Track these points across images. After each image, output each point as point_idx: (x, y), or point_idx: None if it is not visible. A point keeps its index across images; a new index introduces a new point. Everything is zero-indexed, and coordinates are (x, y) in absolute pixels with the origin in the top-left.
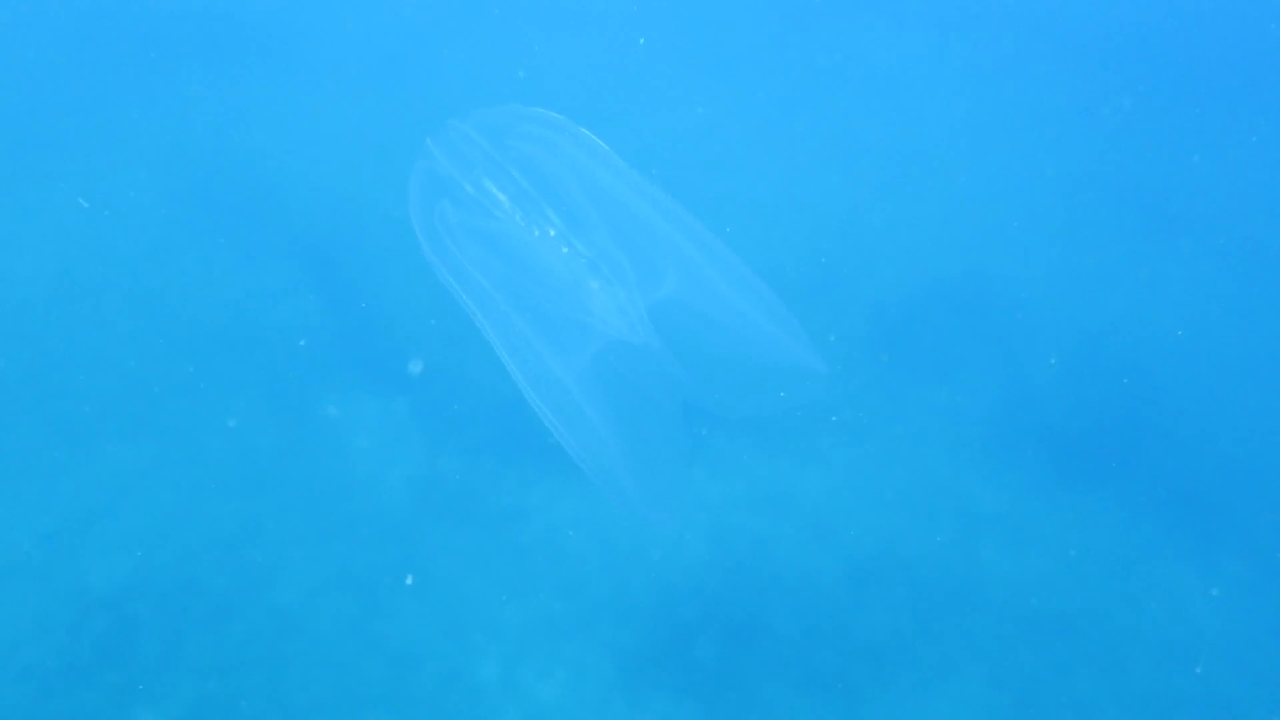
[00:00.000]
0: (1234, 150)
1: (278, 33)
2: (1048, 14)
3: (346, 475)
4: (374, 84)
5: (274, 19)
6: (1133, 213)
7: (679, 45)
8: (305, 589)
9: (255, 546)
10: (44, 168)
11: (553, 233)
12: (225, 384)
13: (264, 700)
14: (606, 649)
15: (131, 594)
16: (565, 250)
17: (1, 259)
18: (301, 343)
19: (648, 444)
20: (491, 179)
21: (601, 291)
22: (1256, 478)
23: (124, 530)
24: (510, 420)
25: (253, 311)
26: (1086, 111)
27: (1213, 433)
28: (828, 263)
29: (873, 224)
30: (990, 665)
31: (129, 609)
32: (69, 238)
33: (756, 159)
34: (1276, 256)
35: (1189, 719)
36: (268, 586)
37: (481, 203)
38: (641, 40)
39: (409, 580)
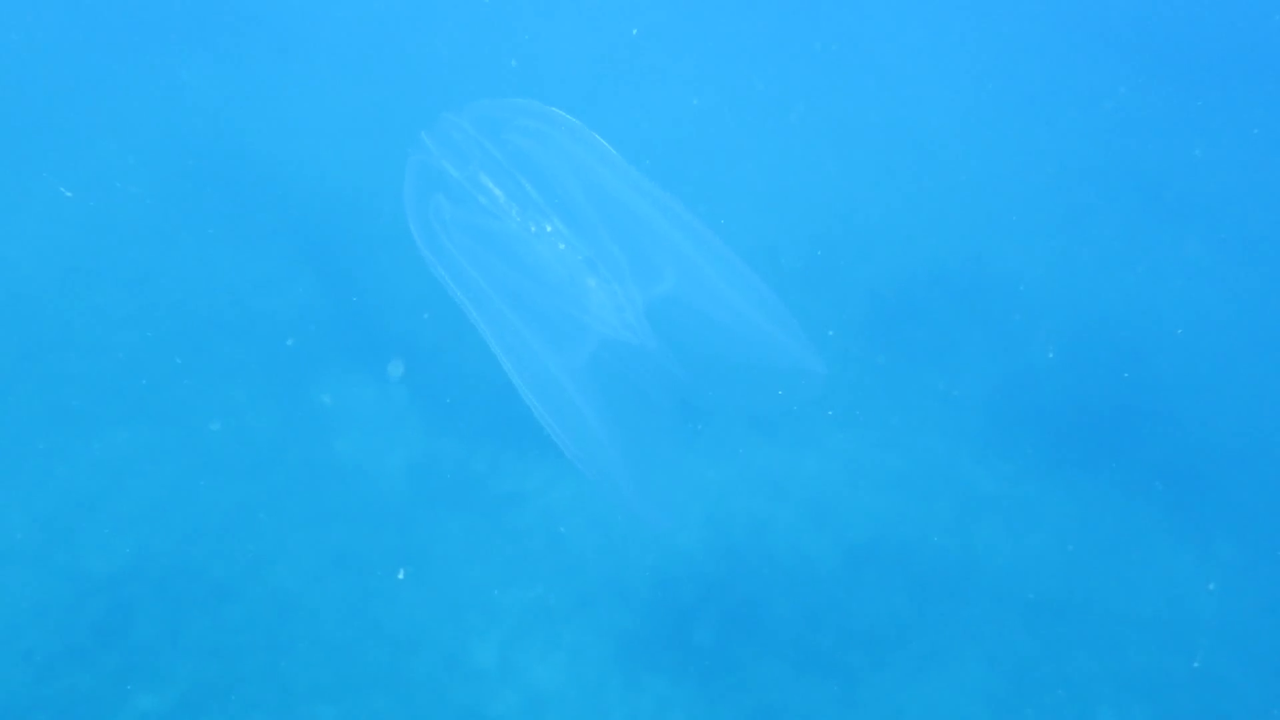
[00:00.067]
0: (1233, 139)
1: (272, 17)
2: (1045, 1)
3: (344, 460)
4: (365, 69)
5: (268, 2)
6: (1131, 200)
7: (672, 35)
8: (303, 573)
9: (253, 531)
10: (38, 154)
11: (549, 229)
12: (222, 369)
13: (263, 683)
14: (604, 632)
15: (129, 578)
16: (562, 247)
17: None
18: (291, 341)
19: (644, 442)
20: (487, 174)
21: (598, 289)
22: (1252, 463)
23: (121, 514)
24: (507, 405)
25: (249, 297)
26: (1084, 99)
27: (1209, 419)
28: (826, 250)
29: (870, 211)
30: (986, 648)
31: (127, 593)
32: (64, 223)
33: (753, 148)
34: (1274, 244)
35: (1184, 701)
36: (266, 570)
37: (477, 198)
38: (634, 30)
39: (401, 575)
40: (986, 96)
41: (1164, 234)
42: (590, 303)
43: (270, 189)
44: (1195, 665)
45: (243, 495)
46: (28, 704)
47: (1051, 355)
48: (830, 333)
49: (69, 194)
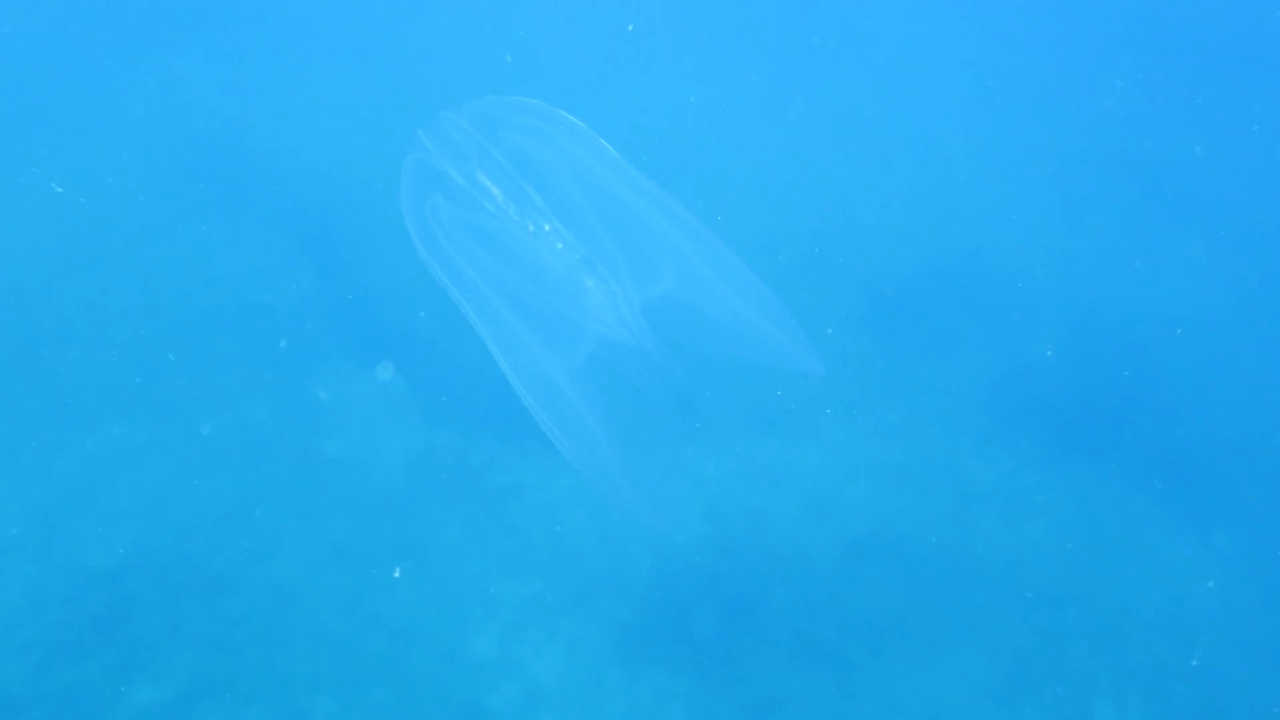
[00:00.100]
0: (1232, 133)
1: (267, 9)
2: None
3: (342, 451)
4: (361, 61)
5: None
6: (1129, 193)
7: (668, 30)
8: (302, 566)
9: (251, 523)
10: (34, 147)
11: (547, 228)
12: (220, 362)
13: (262, 675)
14: (603, 624)
15: (128, 570)
16: (560, 246)
17: None
18: (283, 343)
19: (642, 444)
20: (485, 173)
21: (596, 289)
22: (1251, 456)
23: (120, 506)
24: (505, 398)
25: (247, 290)
26: (1083, 93)
27: (1208, 412)
28: (824, 244)
29: (869, 204)
30: (985, 640)
31: (126, 585)
32: (60, 217)
33: (750, 143)
34: (1273, 238)
35: (1182, 693)
36: (265, 562)
37: (475, 197)
38: (630, 26)
39: (397, 573)
40: (985, 90)
41: (1163, 227)
42: (588, 303)
43: (267, 181)
44: (1194, 663)
45: (241, 488)
46: (27, 697)
47: (1050, 353)
48: (829, 327)
49: (59, 189)
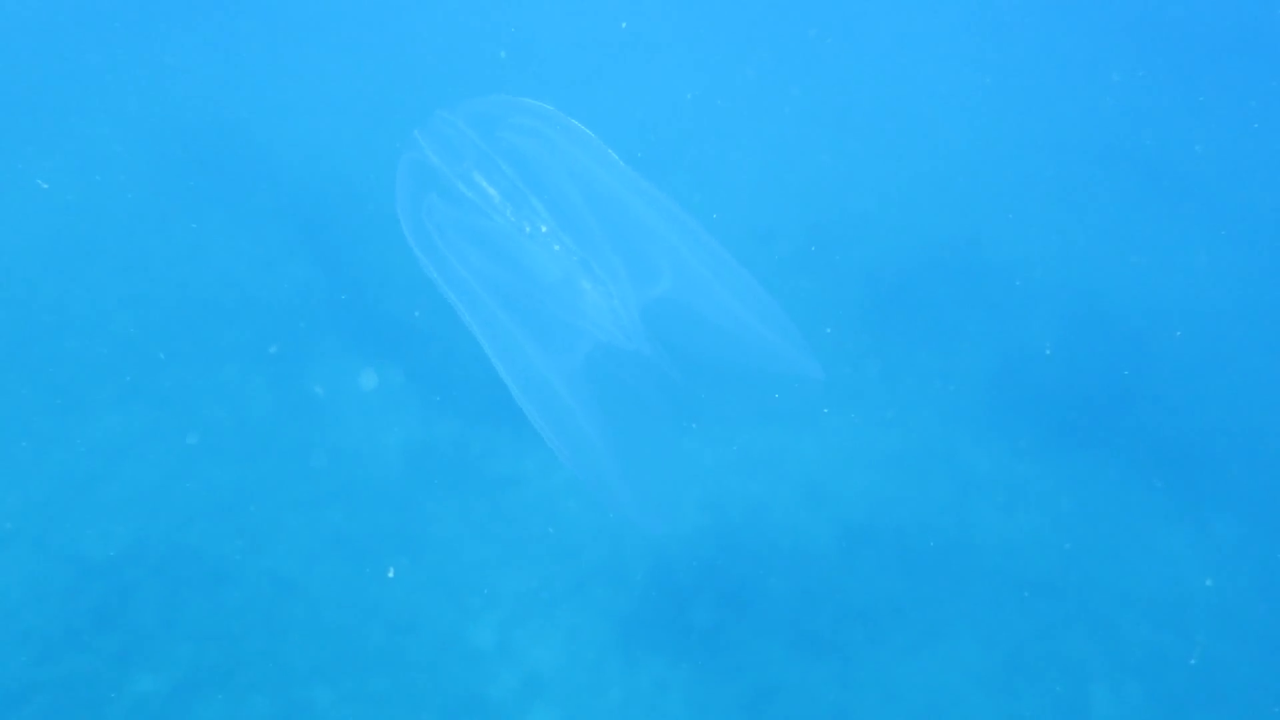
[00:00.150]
0: (1231, 123)
1: None
2: None
3: (341, 442)
4: (356, 51)
5: None
6: (1128, 182)
7: (662, 27)
8: (301, 555)
9: (251, 513)
10: (32, 133)
11: (544, 229)
12: (218, 352)
13: (261, 665)
14: (602, 613)
15: (128, 560)
16: (556, 248)
17: None
18: (275, 346)
19: (639, 447)
20: (481, 173)
21: (593, 291)
22: (1248, 445)
23: (119, 497)
24: (504, 388)
25: (245, 279)
26: (1082, 83)
27: (1206, 400)
28: (823, 234)
29: (867, 194)
30: (982, 628)
31: (126, 575)
32: (57, 207)
33: (748, 134)
34: (1271, 228)
35: (1178, 679)
36: (264, 553)
37: (471, 198)
38: (624, 24)
39: (391, 574)
40: (983, 81)
41: (1161, 218)
42: (585, 305)
43: (265, 173)
44: (1192, 662)
45: (240, 478)
46: (27, 686)
47: (1049, 351)
48: (827, 318)
49: (45, 185)
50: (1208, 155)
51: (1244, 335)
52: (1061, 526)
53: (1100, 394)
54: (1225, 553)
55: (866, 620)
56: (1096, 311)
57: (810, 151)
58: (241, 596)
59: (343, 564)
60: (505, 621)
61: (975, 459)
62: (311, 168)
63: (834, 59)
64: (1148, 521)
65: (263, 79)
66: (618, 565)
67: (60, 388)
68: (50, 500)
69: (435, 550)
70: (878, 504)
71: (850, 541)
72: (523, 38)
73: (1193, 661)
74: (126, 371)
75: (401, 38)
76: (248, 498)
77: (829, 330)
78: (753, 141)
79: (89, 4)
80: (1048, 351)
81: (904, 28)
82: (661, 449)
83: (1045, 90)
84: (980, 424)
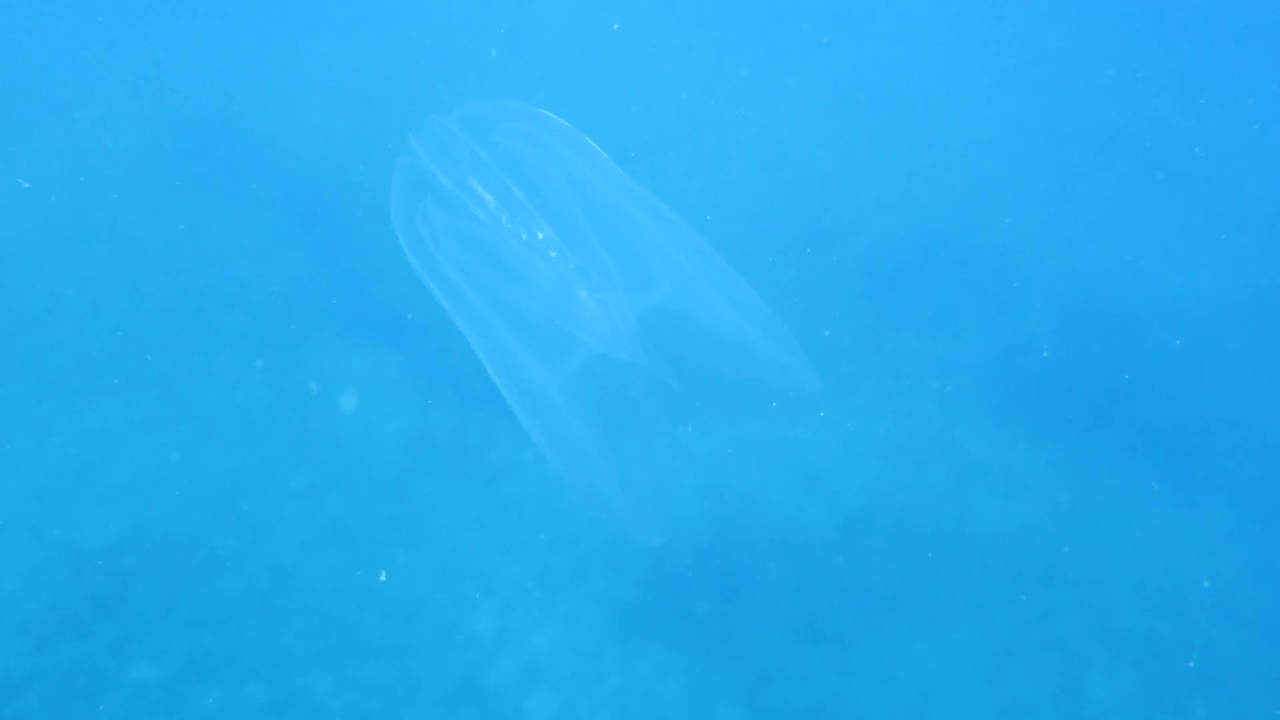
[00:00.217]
0: (1228, 108)
1: None
2: None
3: (338, 430)
4: (353, 38)
5: None
6: (1125, 168)
7: (654, 28)
8: (299, 543)
9: (248, 501)
10: (25, 118)
11: (540, 235)
12: (214, 340)
13: (260, 652)
14: (599, 601)
15: (125, 549)
16: (553, 255)
17: None
18: (275, 317)
19: (636, 458)
20: (477, 178)
21: (590, 300)
22: (1244, 431)
23: (115, 486)
24: None
25: (240, 267)
26: (1079, 68)
27: (1202, 386)
28: (819, 220)
29: (865, 180)
30: (978, 612)
31: (123, 564)
32: (52, 193)
33: (744, 127)
34: (1268, 213)
35: (1173, 663)
36: (262, 541)
37: (466, 203)
38: (616, 26)
39: (383, 577)
40: (979, 68)
41: (1159, 203)
42: (581, 314)
43: (260, 159)
44: (1191, 665)
45: (237, 466)
46: (25, 675)
47: (1046, 355)
48: (823, 306)
49: (26, 185)
50: (1205, 144)
51: (1240, 323)
52: (1058, 514)
53: (1097, 383)
54: (1221, 540)
55: (864, 608)
56: (1093, 300)
57: (807, 143)
58: (239, 585)
59: (340, 552)
60: (503, 609)
61: (972, 447)
62: (306, 156)
63: (830, 52)
64: (1144, 509)
65: (257, 67)
66: (616, 553)
67: (55, 377)
68: (47, 489)
69: (433, 538)
70: (875, 492)
71: (848, 529)
72: (516, 40)
73: (1191, 664)
74: (122, 361)
75: (396, 25)
76: (245, 486)
77: (825, 313)
78: (749, 134)
79: None
80: (1045, 354)
81: (900, 19)
82: (659, 460)
83: (1042, 80)
84: (977, 412)
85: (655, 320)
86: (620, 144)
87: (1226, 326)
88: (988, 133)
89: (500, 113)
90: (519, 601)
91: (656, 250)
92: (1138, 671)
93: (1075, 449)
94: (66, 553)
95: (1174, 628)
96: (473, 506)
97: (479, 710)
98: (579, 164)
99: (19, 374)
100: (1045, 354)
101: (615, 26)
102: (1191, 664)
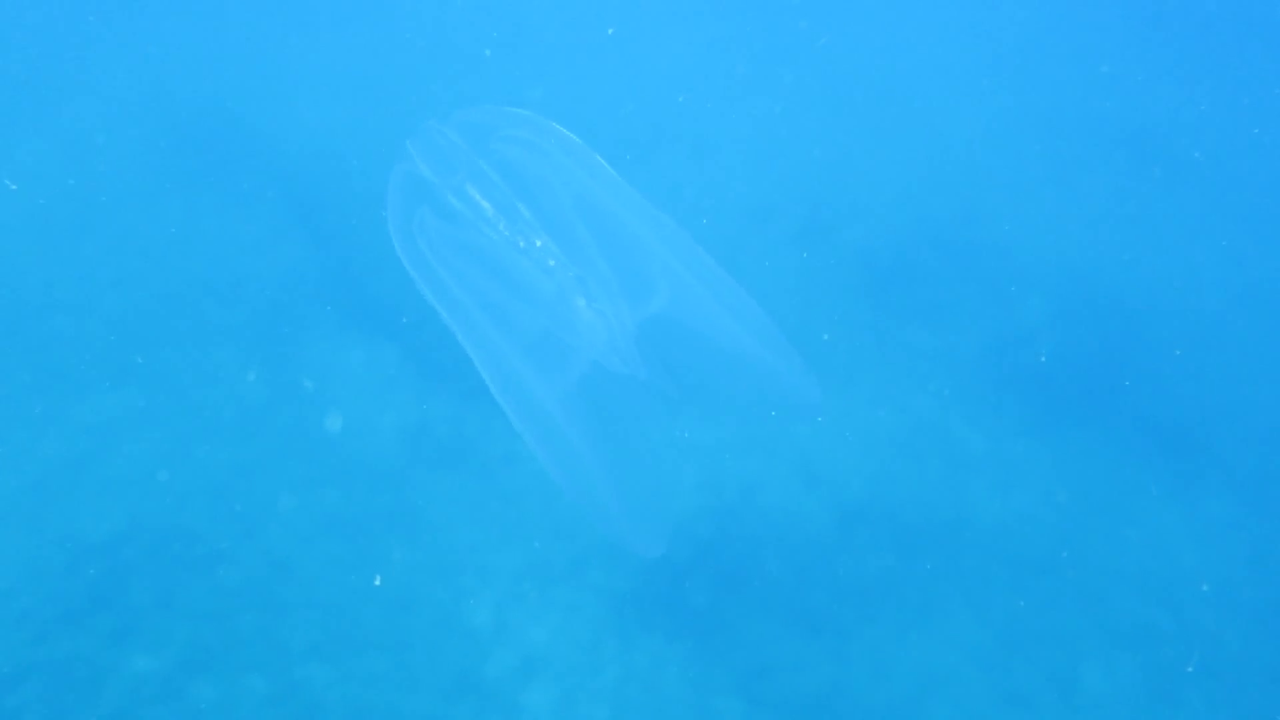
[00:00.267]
0: (1226, 98)
1: None
2: None
3: (336, 422)
4: (350, 30)
5: None
6: (1123, 159)
7: (650, 31)
8: (297, 535)
9: (246, 493)
10: (19, 112)
11: (539, 243)
12: (211, 332)
13: (259, 643)
14: (598, 592)
15: (123, 541)
16: (551, 263)
17: None
18: (272, 308)
19: (634, 469)
20: (474, 185)
21: (588, 309)
22: (1241, 421)
23: (113, 478)
24: None
25: (237, 259)
26: (1078, 59)
27: (1199, 377)
28: (818, 211)
29: (863, 172)
30: (975, 604)
31: (121, 555)
32: (47, 185)
33: (742, 121)
34: (1265, 204)
35: (1169, 654)
36: (260, 533)
37: (463, 211)
38: (610, 30)
39: (377, 581)
40: (977, 58)
41: (1156, 193)
42: (579, 324)
43: (257, 151)
44: (1190, 669)
45: (235, 458)
46: (24, 667)
47: (1044, 359)
48: (821, 297)
49: (14, 186)
50: (1203, 135)
51: (1237, 316)
52: (1055, 506)
53: (1095, 376)
54: (1218, 532)
55: (861, 599)
56: (1091, 293)
57: (805, 137)
58: (237, 576)
59: (338, 545)
60: (502, 600)
61: (970, 438)
62: (301, 148)
63: (827, 47)
64: (1141, 501)
65: (251, 60)
66: (614, 545)
67: (52, 371)
68: (45, 482)
69: (431, 530)
70: (873, 484)
71: (845, 521)
72: (509, 30)
73: (1190, 669)
74: (119, 353)
75: (390, 17)
76: (243, 478)
77: (823, 313)
78: (747, 129)
79: None
80: (1043, 358)
81: (898, 13)
82: (656, 471)
83: (1041, 73)
84: (975, 405)
85: (653, 329)
86: (618, 140)
87: (1224, 319)
88: (985, 126)
89: (498, 119)
90: (517, 593)
91: (655, 259)
92: (1135, 662)
93: (1073, 441)
94: (64, 545)
95: (1171, 619)
96: (471, 499)
97: (477, 702)
98: (577, 172)
99: (16, 368)
100: (1043, 355)
101: (609, 31)
102: (1190, 669)
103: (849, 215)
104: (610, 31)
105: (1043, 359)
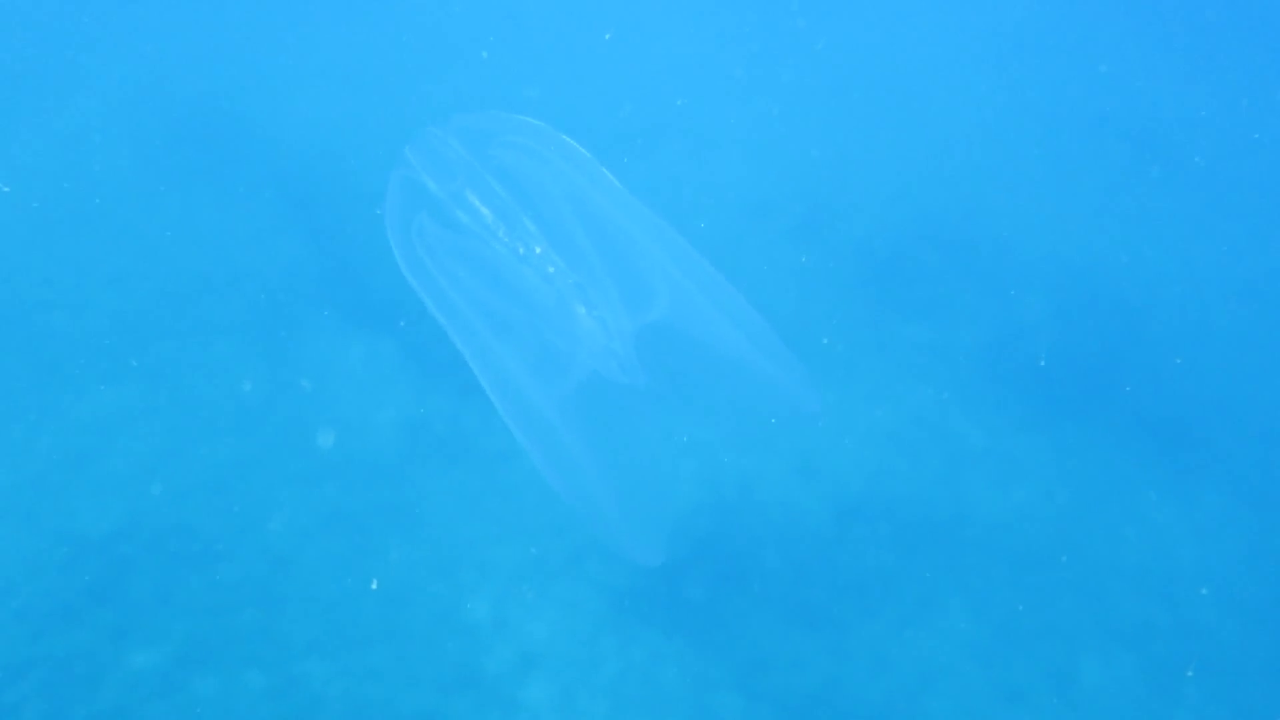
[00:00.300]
0: (1225, 93)
1: None
2: None
3: (334, 417)
4: (347, 23)
5: None
6: (1121, 154)
7: (646, 35)
8: (296, 530)
9: (245, 488)
10: (15, 107)
11: (538, 250)
12: (209, 326)
13: (258, 638)
14: (596, 587)
15: (122, 537)
16: (551, 270)
17: None
18: (270, 303)
19: (634, 477)
20: (473, 192)
21: (587, 317)
22: (1238, 415)
23: (112, 473)
24: None
25: (235, 254)
26: (1076, 53)
27: (1196, 372)
28: (816, 205)
29: (862, 166)
30: (973, 598)
31: (120, 551)
32: (44, 179)
33: (740, 117)
34: (1263, 198)
35: (1166, 649)
36: (259, 527)
37: (462, 218)
38: (607, 35)
39: (374, 585)
40: (976, 53)
41: (1154, 188)
42: (579, 332)
43: (252, 146)
44: (1189, 674)
45: (233, 453)
46: (23, 662)
47: (1043, 364)
48: (820, 291)
49: (6, 189)
50: (1201, 132)
51: (1235, 311)
52: (1053, 501)
53: (1093, 370)
54: (1215, 526)
55: (859, 593)
56: (1089, 288)
57: (803, 134)
58: (236, 572)
59: (337, 540)
60: (500, 595)
61: (968, 434)
62: (299, 143)
63: (825, 44)
64: (1139, 496)
65: (248, 55)
66: (613, 550)
67: (50, 366)
68: (43, 478)
69: (430, 525)
70: (872, 479)
71: (844, 516)
72: (508, 28)
73: (1190, 674)
74: (117, 349)
75: (387, 11)
76: (241, 474)
77: (822, 308)
78: (745, 125)
79: None
80: (1042, 363)
81: (896, 8)
82: (656, 479)
83: (1039, 69)
84: (973, 399)
85: (653, 337)
86: (617, 137)
87: (1222, 314)
88: (984, 121)
89: (497, 125)
90: (516, 588)
91: (654, 266)
92: (1132, 657)
93: (1071, 437)
94: (63, 541)
95: (1168, 614)
96: (470, 493)
97: (476, 696)
98: (577, 178)
99: (14, 364)
100: (1042, 352)
101: (607, 37)
102: (1190, 673)
103: (848, 211)
104: (608, 37)
105: (1042, 362)
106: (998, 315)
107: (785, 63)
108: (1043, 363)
